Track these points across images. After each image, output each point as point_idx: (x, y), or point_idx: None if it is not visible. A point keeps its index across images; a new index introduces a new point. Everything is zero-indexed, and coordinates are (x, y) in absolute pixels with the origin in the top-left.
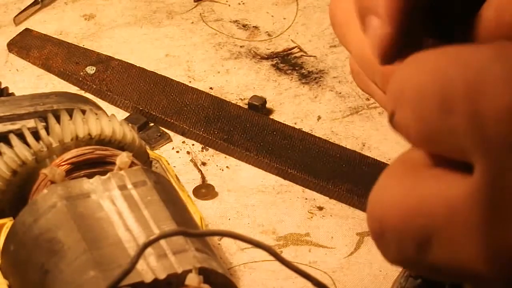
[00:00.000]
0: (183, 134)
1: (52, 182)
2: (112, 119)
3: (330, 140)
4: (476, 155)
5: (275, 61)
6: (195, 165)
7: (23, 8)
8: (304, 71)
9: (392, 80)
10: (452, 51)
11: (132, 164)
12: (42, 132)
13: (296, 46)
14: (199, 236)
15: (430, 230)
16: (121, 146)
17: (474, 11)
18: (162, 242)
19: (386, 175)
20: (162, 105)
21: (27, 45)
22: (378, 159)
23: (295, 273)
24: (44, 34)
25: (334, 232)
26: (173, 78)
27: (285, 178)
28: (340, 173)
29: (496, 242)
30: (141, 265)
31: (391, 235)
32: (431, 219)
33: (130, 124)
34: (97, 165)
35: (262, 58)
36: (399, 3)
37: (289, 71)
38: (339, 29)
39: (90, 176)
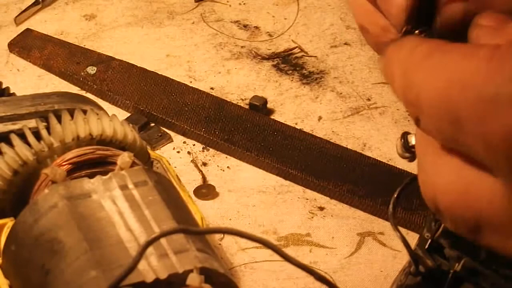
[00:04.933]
0: (184, 134)
1: (53, 182)
2: (113, 119)
3: (331, 141)
4: (494, 170)
5: (276, 62)
6: (196, 165)
7: (24, 8)
8: (305, 71)
9: (410, 86)
10: (463, 64)
11: (133, 164)
12: (43, 132)
13: (297, 47)
14: (200, 234)
15: (478, 220)
16: (122, 146)
17: None
18: (163, 242)
19: (433, 158)
20: (163, 105)
21: (28, 45)
22: (379, 159)
23: (297, 267)
24: (45, 34)
25: (335, 233)
26: (174, 78)
27: (285, 178)
28: (341, 174)
29: None
30: (142, 265)
31: (445, 215)
32: (478, 212)
33: (131, 124)
34: (98, 165)
35: (263, 58)
36: None
37: (290, 71)
38: None
39: (91, 176)
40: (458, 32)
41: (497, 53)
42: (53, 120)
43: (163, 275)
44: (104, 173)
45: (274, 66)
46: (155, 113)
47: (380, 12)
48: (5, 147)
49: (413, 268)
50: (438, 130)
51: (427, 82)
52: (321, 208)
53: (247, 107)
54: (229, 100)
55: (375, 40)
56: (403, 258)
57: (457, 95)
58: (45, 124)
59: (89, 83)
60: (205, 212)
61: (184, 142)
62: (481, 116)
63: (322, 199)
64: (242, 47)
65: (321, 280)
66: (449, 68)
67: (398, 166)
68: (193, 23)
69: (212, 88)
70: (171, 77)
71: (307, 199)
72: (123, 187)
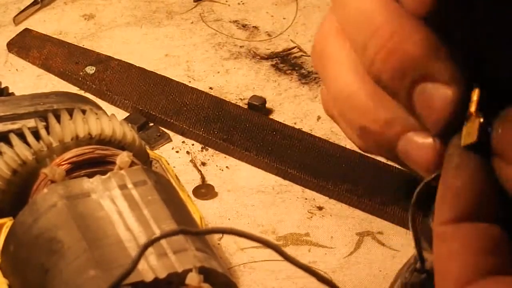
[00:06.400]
0: (182, 134)
1: (52, 182)
2: (112, 119)
3: (330, 140)
4: None
5: (275, 61)
6: (195, 165)
7: (22, 8)
8: (303, 71)
9: None
10: None
11: (132, 164)
12: (43, 132)
13: (295, 46)
14: (200, 234)
15: None
16: (121, 146)
17: None
18: (163, 241)
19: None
20: (162, 105)
21: (26, 45)
22: (378, 158)
23: (298, 267)
24: (44, 34)
25: (334, 232)
26: (173, 78)
27: (284, 178)
28: (339, 173)
29: None
30: (141, 264)
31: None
32: None
33: (130, 124)
34: (97, 165)
35: (262, 58)
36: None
37: (289, 71)
38: (323, 61)
39: (90, 175)
40: None
41: None
42: (52, 119)
43: (162, 275)
44: (103, 172)
45: (273, 66)
46: (154, 113)
47: (381, 105)
48: (4, 147)
49: (419, 265)
50: None
51: None
52: (320, 208)
53: (246, 106)
54: (228, 100)
55: (378, 139)
56: (402, 257)
57: None
58: (44, 123)
59: (88, 83)
60: (204, 212)
61: (183, 142)
62: None
63: (321, 199)
64: (241, 47)
65: (322, 281)
66: None
67: (397, 166)
68: (192, 23)
69: (211, 88)
70: (170, 77)
71: (306, 198)
72: (122, 187)
